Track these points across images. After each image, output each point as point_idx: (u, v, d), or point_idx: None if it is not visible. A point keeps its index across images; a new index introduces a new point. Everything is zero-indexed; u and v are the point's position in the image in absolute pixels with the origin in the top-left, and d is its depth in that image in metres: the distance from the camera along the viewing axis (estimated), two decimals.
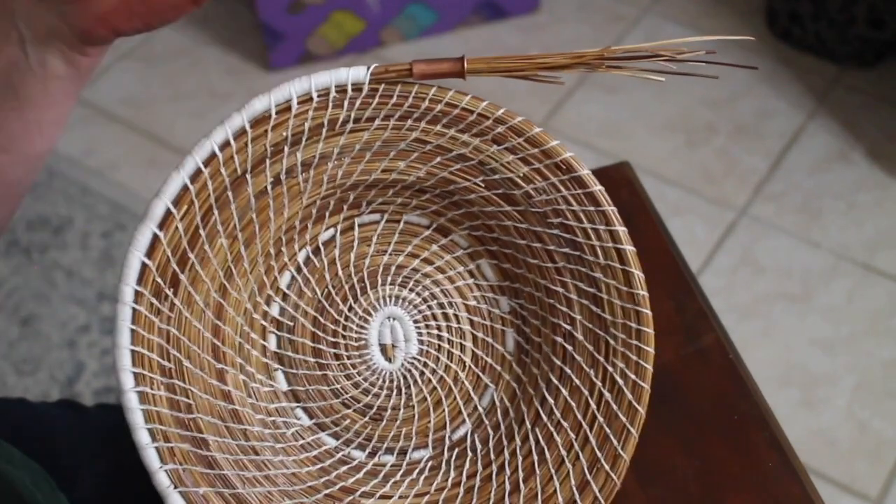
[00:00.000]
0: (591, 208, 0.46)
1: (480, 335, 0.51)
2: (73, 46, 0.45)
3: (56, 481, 0.52)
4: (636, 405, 0.47)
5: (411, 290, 0.51)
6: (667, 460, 0.55)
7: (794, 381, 1.30)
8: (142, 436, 0.43)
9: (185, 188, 0.44)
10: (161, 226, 0.44)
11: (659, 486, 0.54)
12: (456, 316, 0.51)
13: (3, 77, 0.45)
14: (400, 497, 0.49)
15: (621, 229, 0.46)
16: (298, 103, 0.45)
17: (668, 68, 0.43)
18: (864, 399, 1.27)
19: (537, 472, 0.48)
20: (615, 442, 0.47)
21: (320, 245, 0.51)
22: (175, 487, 0.43)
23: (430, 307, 0.51)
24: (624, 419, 0.47)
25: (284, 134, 0.45)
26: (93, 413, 0.66)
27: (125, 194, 1.48)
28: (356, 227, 0.51)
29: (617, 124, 1.58)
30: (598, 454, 0.47)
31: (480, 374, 0.51)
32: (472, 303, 0.52)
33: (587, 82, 1.62)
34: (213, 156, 0.44)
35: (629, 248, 0.46)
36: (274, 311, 0.50)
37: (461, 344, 0.51)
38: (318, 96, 0.45)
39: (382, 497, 0.49)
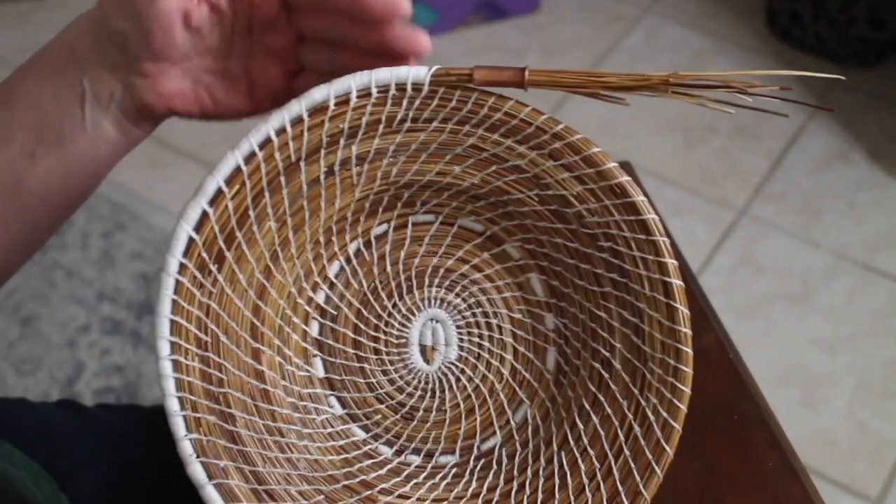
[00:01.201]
0: (642, 237, 0.45)
1: (522, 350, 0.51)
2: (129, 117, 0.47)
3: (56, 481, 0.52)
4: (665, 445, 0.45)
5: (457, 294, 0.51)
6: None
7: (794, 381, 1.30)
8: (172, 403, 0.43)
9: (237, 169, 0.44)
10: (211, 203, 0.44)
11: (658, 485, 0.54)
12: (499, 327, 0.51)
13: (57, 127, 0.46)
14: (418, 499, 0.49)
15: (671, 262, 0.45)
16: (357, 97, 0.44)
17: (737, 100, 0.42)
18: (864, 399, 1.27)
19: (556, 496, 0.47)
20: (638, 479, 0.46)
21: (372, 239, 0.51)
22: (197, 457, 0.43)
23: (474, 314, 0.51)
24: (650, 456, 0.46)
25: (341, 126, 0.45)
26: (93, 413, 0.66)
27: (125, 194, 1.49)
28: (409, 226, 0.51)
29: (617, 124, 1.58)
30: (620, 488, 0.46)
31: (517, 388, 0.51)
32: (518, 316, 0.51)
33: None
34: (268, 140, 0.44)
35: (677, 283, 0.45)
36: (319, 298, 0.50)
37: (501, 356, 0.51)
38: (378, 92, 0.44)
39: (400, 497, 0.49)
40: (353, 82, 0.44)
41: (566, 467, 0.48)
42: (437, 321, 0.51)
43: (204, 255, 0.44)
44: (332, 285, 0.51)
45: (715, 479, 0.55)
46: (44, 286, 1.37)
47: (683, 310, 0.45)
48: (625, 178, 0.44)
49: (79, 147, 0.47)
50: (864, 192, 1.51)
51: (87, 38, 0.45)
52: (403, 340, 0.51)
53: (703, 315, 0.61)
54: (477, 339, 0.51)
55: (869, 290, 1.39)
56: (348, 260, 0.51)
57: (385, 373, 0.51)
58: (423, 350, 0.51)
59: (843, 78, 0.47)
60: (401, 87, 0.44)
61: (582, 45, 1.72)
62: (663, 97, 0.42)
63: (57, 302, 1.36)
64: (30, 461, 0.51)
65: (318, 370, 0.51)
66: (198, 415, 0.44)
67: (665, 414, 0.45)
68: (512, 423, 0.51)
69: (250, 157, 0.44)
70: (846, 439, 1.24)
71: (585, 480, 0.47)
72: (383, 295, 0.51)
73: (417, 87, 0.44)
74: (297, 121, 0.44)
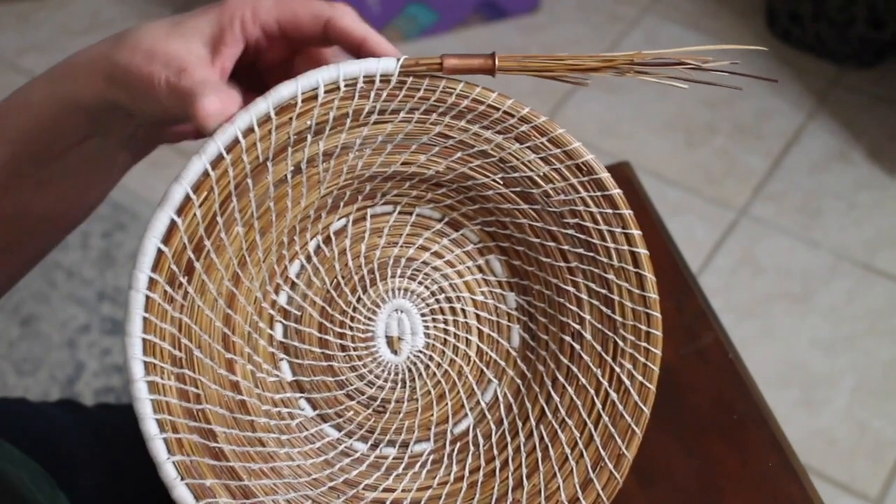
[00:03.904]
0: (609, 211, 0.46)
1: (486, 330, 0.51)
2: (142, 146, 0.49)
3: (56, 481, 0.52)
4: (642, 406, 0.47)
5: (420, 283, 0.51)
6: (666, 460, 0.55)
7: (794, 381, 1.30)
8: (150, 426, 0.42)
9: (205, 174, 0.43)
10: (179, 212, 0.43)
11: (658, 485, 0.54)
12: (463, 310, 0.51)
13: (75, 162, 0.47)
14: (403, 490, 0.49)
15: (637, 233, 0.46)
16: (325, 92, 0.44)
17: (691, 76, 0.43)
18: (864, 399, 1.27)
19: (541, 468, 0.48)
20: (619, 441, 0.47)
21: (331, 234, 0.50)
22: (182, 479, 0.42)
23: (437, 301, 0.51)
24: (629, 419, 0.47)
25: (309, 122, 0.44)
26: (93, 413, 0.66)
27: (125, 194, 1.49)
28: (368, 218, 0.50)
29: (617, 124, 1.59)
30: (602, 453, 0.47)
31: (484, 368, 0.51)
32: (480, 298, 0.51)
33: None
34: (235, 142, 0.43)
35: (643, 252, 0.46)
36: (282, 299, 0.50)
37: (466, 338, 0.51)
38: (346, 86, 0.44)
39: (386, 490, 0.49)
40: (320, 77, 0.43)
41: (547, 439, 0.49)
42: (401, 311, 0.51)
43: (174, 267, 0.43)
44: (293, 285, 0.50)
45: (715, 478, 0.55)
46: (44, 286, 1.37)
47: (651, 277, 0.47)
48: (590, 157, 0.46)
49: (94, 176, 0.48)
50: (864, 191, 1.51)
51: (91, 96, 0.44)
52: (370, 334, 0.51)
53: (703, 315, 0.61)
54: (442, 325, 0.51)
55: (869, 290, 1.39)
56: (309, 258, 0.50)
57: (354, 368, 0.50)
58: (390, 341, 0.51)
59: (766, 49, 0.49)
60: (369, 80, 0.44)
61: (582, 45, 1.72)
62: (626, 77, 0.44)
63: (57, 302, 1.36)
64: (29, 461, 0.51)
65: (286, 374, 0.50)
66: (178, 435, 0.43)
67: (640, 377, 0.47)
68: (482, 403, 0.51)
69: (217, 161, 0.43)
70: (846, 439, 1.24)
71: (567, 450, 0.48)
72: (347, 290, 0.50)
73: (386, 79, 0.44)
74: (264, 119, 0.43)
